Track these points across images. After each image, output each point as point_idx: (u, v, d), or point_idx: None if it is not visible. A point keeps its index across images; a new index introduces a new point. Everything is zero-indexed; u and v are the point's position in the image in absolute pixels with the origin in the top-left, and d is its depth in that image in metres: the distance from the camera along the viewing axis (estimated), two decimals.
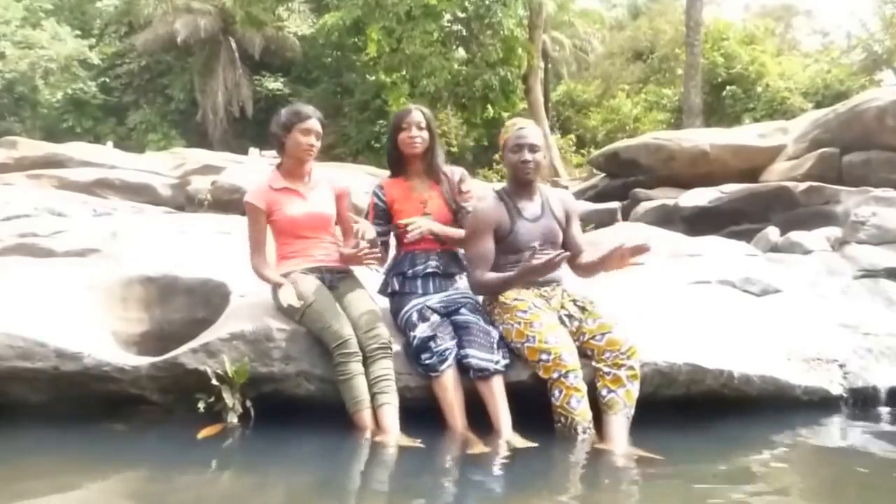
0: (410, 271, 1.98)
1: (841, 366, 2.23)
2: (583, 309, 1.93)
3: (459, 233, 2.00)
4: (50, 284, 2.15)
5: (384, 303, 2.03)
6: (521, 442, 1.71)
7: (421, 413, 1.78)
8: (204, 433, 1.74)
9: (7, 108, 14.97)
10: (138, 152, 10.22)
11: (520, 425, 1.77)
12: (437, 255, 2.01)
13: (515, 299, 1.89)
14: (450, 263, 2.03)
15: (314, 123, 1.97)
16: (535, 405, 1.80)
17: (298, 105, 2.06)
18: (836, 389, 2.16)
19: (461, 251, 2.06)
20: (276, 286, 1.92)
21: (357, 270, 2.09)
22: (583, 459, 1.67)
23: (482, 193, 2.03)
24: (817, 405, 2.12)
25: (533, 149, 1.93)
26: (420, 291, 1.96)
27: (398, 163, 2.04)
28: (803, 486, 1.65)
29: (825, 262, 3.22)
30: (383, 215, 2.04)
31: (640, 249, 1.85)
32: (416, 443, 1.68)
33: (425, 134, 1.99)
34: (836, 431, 2.05)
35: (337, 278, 1.99)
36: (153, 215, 5.68)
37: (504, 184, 2.07)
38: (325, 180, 2.06)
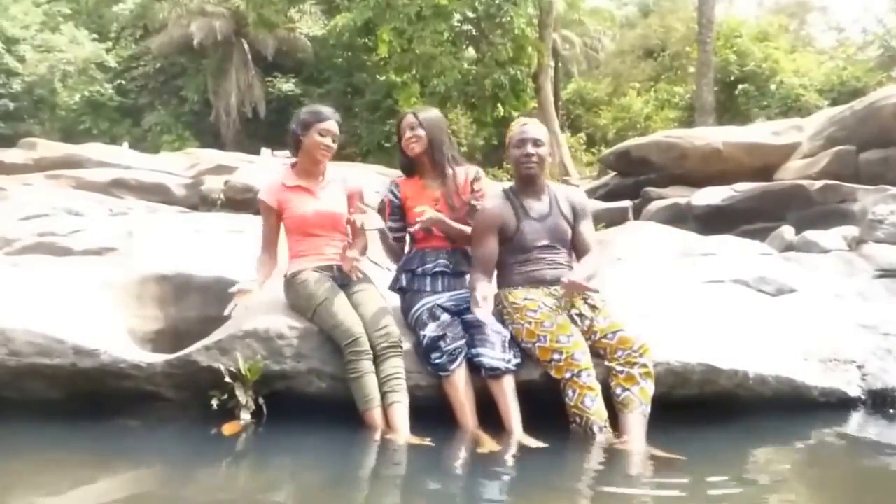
0: (420, 269, 1.99)
1: (859, 367, 2.19)
2: (593, 307, 1.91)
3: (466, 230, 2.00)
4: (68, 282, 2.19)
5: (395, 300, 2.04)
6: (532, 442, 1.70)
7: (432, 412, 1.78)
8: (228, 431, 1.76)
9: (27, 111, 15.29)
10: (153, 153, 10.37)
11: (532, 425, 1.76)
12: (448, 253, 2.01)
13: (525, 299, 1.89)
14: (460, 262, 2.03)
15: (332, 125, 1.99)
16: (547, 404, 1.79)
17: (318, 106, 2.08)
18: (854, 391, 2.12)
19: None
20: (240, 292, 1.92)
21: (368, 270, 2.10)
22: (598, 459, 1.65)
23: (494, 193, 2.04)
24: (835, 407, 2.08)
25: (536, 143, 1.93)
26: (428, 289, 1.96)
27: (409, 165, 2.09)
28: (820, 488, 1.62)
29: (842, 261, 3.16)
30: (398, 212, 2.06)
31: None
32: (426, 441, 1.69)
33: (420, 132, 2.01)
34: (853, 434, 2.02)
35: (349, 277, 2.00)
36: (168, 215, 5.75)
37: (511, 183, 2.08)
38: (338, 179, 2.08)
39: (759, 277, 2.85)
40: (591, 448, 1.70)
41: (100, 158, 8.21)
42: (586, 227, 2.03)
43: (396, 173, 2.16)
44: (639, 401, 1.76)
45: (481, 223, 1.94)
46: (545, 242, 1.94)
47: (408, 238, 2.10)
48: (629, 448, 1.69)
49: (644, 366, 1.79)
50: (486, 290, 1.86)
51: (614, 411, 1.77)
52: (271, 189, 2.02)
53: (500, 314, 1.94)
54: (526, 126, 1.97)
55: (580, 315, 1.91)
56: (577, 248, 2.01)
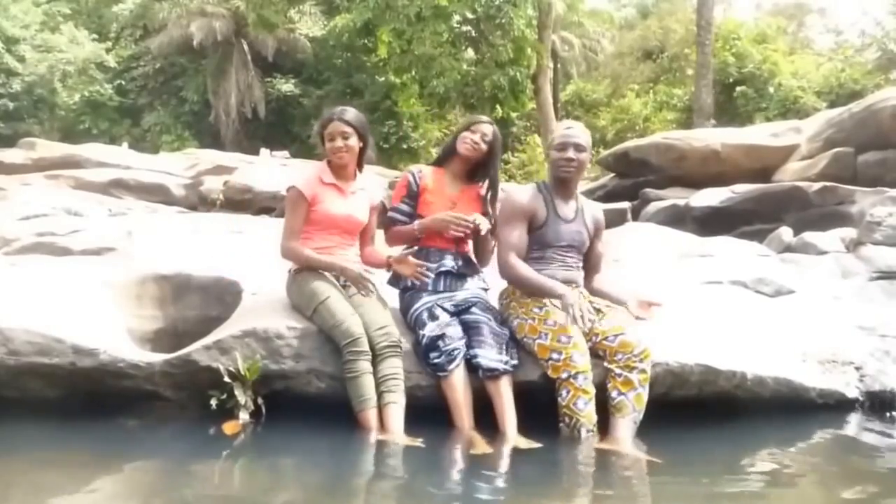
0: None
1: (857, 368, 2.20)
2: (597, 310, 1.92)
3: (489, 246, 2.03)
4: (67, 282, 2.19)
5: (394, 299, 2.04)
6: (525, 443, 1.71)
7: (430, 412, 1.79)
8: (229, 430, 1.76)
9: (26, 110, 15.27)
10: (153, 153, 10.38)
11: (528, 425, 1.77)
12: (453, 255, 2.02)
13: (532, 296, 1.90)
14: (464, 265, 2.03)
15: (334, 126, 1.98)
16: (544, 405, 1.79)
17: (328, 110, 2.08)
18: (852, 392, 2.12)
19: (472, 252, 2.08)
20: (320, 265, 1.93)
21: (367, 271, 2.10)
22: (587, 461, 1.66)
23: (525, 187, 2.07)
24: (832, 408, 2.09)
25: (578, 148, 1.95)
26: (430, 289, 1.97)
27: (447, 156, 2.08)
28: (818, 489, 1.63)
29: (840, 263, 3.17)
30: (414, 196, 2.04)
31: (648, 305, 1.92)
32: (417, 442, 1.69)
33: (484, 147, 2.03)
34: (851, 435, 2.02)
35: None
36: (167, 215, 5.75)
37: (544, 180, 2.09)
38: (366, 190, 2.10)
39: (757, 279, 2.86)
40: (582, 450, 1.70)
41: (99, 158, 8.21)
42: (600, 246, 2.09)
43: (396, 174, 2.17)
44: (632, 406, 1.77)
45: (512, 209, 1.94)
46: (565, 244, 1.95)
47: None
48: (616, 450, 1.69)
49: (643, 371, 1.80)
50: (564, 288, 1.86)
51: (605, 412, 1.78)
52: (309, 180, 1.99)
53: (505, 307, 1.95)
54: (571, 130, 1.98)
55: (583, 317, 1.91)
56: (591, 263, 2.05)
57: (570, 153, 1.93)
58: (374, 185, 2.18)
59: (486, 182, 2.07)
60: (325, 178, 2.01)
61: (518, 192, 1.98)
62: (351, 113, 2.01)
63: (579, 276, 2.01)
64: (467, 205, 2.04)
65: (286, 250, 1.97)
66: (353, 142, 1.99)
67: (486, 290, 2.06)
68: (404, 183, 2.06)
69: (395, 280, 2.05)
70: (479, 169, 2.06)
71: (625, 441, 1.73)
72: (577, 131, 1.98)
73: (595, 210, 2.11)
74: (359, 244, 2.08)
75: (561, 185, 1.99)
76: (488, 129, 2.04)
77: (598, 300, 1.96)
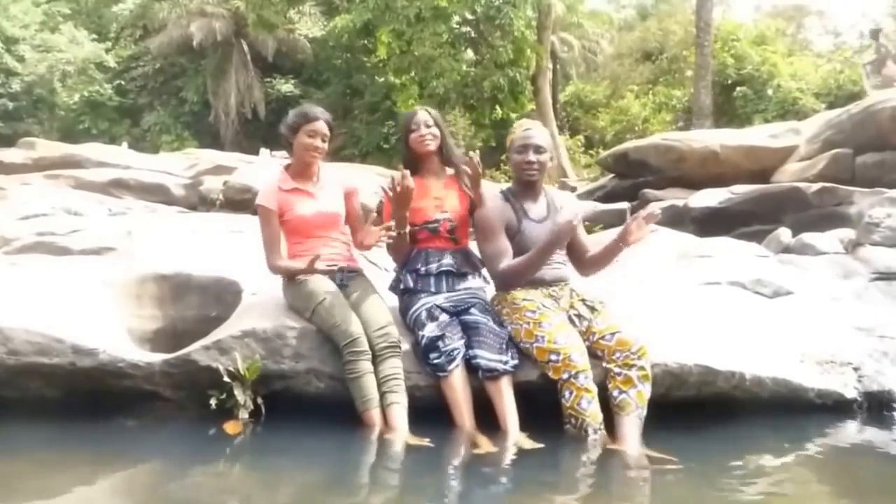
0: (424, 269, 1.99)
1: (855, 369, 2.20)
2: (592, 309, 1.93)
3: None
4: (67, 282, 2.19)
5: (394, 301, 2.04)
6: (528, 443, 1.71)
7: (430, 412, 1.79)
8: (230, 429, 1.77)
9: (26, 110, 15.28)
10: (152, 153, 10.38)
11: (529, 425, 1.77)
12: (452, 253, 2.02)
13: (524, 299, 1.90)
14: (464, 262, 2.04)
15: (320, 125, 1.98)
16: (544, 405, 1.80)
17: (306, 106, 2.08)
18: (851, 393, 2.12)
19: (474, 250, 2.08)
20: (300, 272, 1.93)
21: (367, 270, 2.11)
22: (594, 460, 1.66)
23: (492, 195, 2.05)
24: (831, 409, 2.09)
25: (538, 150, 1.94)
26: (433, 290, 1.97)
27: (413, 164, 2.07)
28: (816, 490, 1.63)
29: (838, 264, 3.18)
30: None
31: (651, 217, 1.88)
32: (424, 441, 1.69)
33: (435, 130, 2.03)
34: (850, 435, 2.03)
35: (348, 277, 2.01)
36: (167, 215, 5.75)
37: (509, 185, 2.09)
38: (334, 179, 2.08)
39: (755, 279, 2.86)
40: (586, 449, 1.71)
41: (99, 158, 8.20)
42: (582, 231, 2.08)
43: (396, 174, 2.16)
44: (635, 404, 1.77)
45: (489, 221, 1.93)
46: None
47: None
48: (624, 450, 1.70)
49: (642, 368, 1.80)
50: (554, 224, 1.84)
51: (609, 412, 1.78)
52: (269, 193, 2.00)
53: (499, 314, 1.95)
54: (529, 131, 1.96)
55: (579, 316, 1.92)
56: (578, 252, 2.04)
57: (531, 156, 1.92)
58: (342, 174, 2.18)
59: (454, 168, 2.06)
60: (285, 185, 2.01)
61: (488, 205, 1.96)
62: (329, 116, 2.04)
63: (568, 272, 2.00)
64: (454, 197, 2.04)
65: (271, 268, 2.00)
66: (327, 145, 2.02)
67: (484, 287, 2.06)
68: (387, 200, 2.04)
69: (397, 285, 2.05)
70: (446, 156, 2.06)
71: (632, 439, 1.73)
72: (535, 132, 1.95)
73: (566, 200, 2.08)
74: (350, 233, 2.08)
75: (527, 186, 1.98)
76: (424, 115, 2.04)
77: (593, 298, 1.96)
